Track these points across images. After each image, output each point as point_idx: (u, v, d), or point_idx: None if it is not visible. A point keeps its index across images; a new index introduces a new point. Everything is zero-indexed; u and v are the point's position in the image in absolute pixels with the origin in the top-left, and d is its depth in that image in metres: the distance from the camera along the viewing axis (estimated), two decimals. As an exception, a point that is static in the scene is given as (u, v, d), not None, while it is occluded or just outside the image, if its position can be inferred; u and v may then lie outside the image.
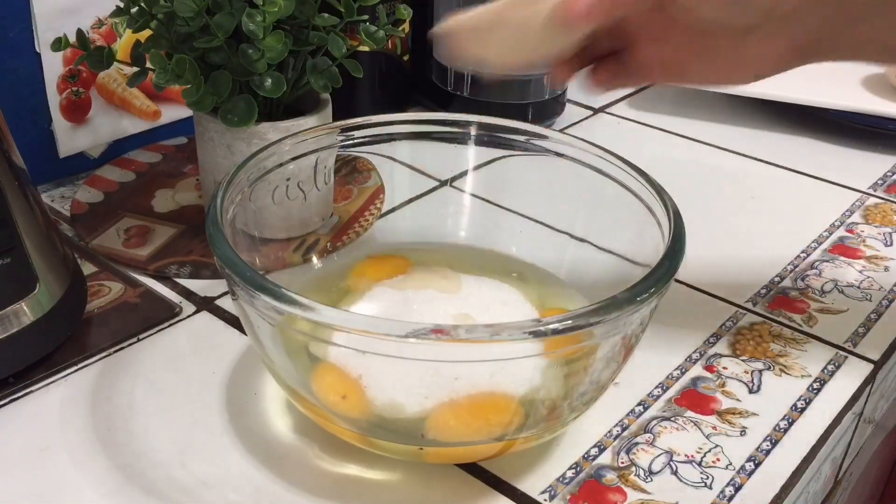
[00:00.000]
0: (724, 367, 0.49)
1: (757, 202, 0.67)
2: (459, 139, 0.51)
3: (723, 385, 0.48)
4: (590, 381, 0.38)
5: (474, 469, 0.42)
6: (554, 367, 0.38)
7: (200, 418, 0.44)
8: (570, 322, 0.34)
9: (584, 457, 0.43)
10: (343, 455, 0.42)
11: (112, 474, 0.40)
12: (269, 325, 0.37)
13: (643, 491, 0.41)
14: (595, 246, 0.48)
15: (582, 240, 0.49)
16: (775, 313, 0.54)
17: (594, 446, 0.43)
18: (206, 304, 0.52)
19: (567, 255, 0.50)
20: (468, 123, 0.50)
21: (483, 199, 0.54)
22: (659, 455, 0.43)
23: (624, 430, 0.44)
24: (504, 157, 0.52)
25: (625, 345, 0.38)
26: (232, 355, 0.48)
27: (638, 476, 0.42)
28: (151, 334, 0.49)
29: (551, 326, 0.33)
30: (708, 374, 0.48)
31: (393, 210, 0.59)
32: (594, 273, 0.48)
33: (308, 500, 0.40)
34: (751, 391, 0.47)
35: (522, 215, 0.53)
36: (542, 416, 0.39)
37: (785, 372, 0.49)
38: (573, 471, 0.42)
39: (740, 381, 0.48)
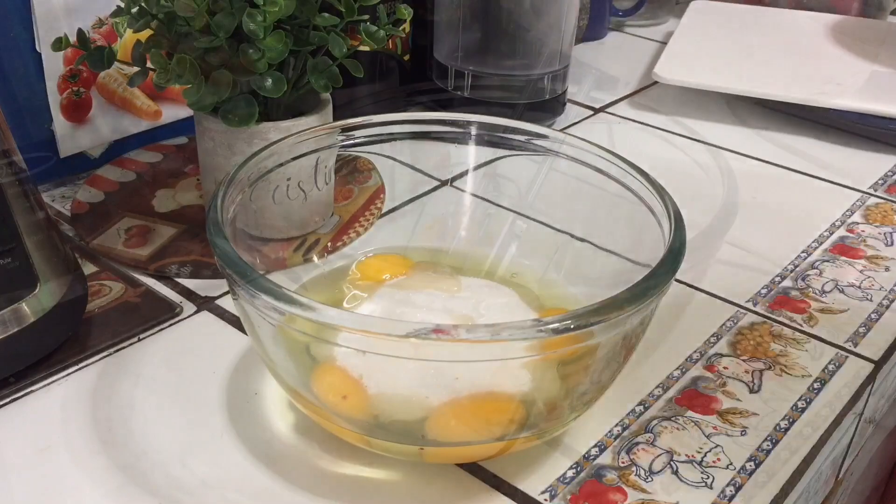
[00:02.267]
0: (725, 367, 0.49)
1: (757, 202, 0.67)
2: (460, 139, 0.51)
3: (723, 385, 0.48)
4: (590, 381, 0.38)
5: (475, 469, 0.42)
6: (554, 368, 0.38)
7: (201, 418, 0.44)
8: (569, 322, 0.34)
9: (584, 456, 0.43)
10: (343, 455, 0.42)
11: (113, 473, 0.40)
12: (269, 324, 0.37)
13: (643, 491, 0.41)
14: (595, 246, 0.48)
15: (582, 240, 0.49)
16: (776, 313, 0.54)
17: (595, 446, 0.43)
18: (206, 303, 0.52)
19: (567, 255, 0.50)
20: (468, 123, 0.50)
21: (483, 198, 0.54)
22: (659, 455, 0.43)
23: (624, 429, 0.44)
24: (504, 156, 0.52)
25: (625, 345, 0.38)
26: (232, 355, 0.48)
27: (638, 476, 0.42)
28: (152, 334, 0.49)
29: (551, 326, 0.33)
30: (708, 374, 0.48)
31: (394, 210, 0.59)
32: (595, 273, 0.48)
33: (308, 499, 0.40)
34: (751, 391, 0.47)
35: (523, 215, 0.53)
36: (543, 416, 0.39)
37: (785, 372, 0.49)
38: (573, 470, 0.42)
39: (741, 380, 0.48)
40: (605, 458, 0.43)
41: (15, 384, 0.45)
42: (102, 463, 0.41)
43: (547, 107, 0.76)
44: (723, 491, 0.41)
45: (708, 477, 0.42)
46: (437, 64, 0.76)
